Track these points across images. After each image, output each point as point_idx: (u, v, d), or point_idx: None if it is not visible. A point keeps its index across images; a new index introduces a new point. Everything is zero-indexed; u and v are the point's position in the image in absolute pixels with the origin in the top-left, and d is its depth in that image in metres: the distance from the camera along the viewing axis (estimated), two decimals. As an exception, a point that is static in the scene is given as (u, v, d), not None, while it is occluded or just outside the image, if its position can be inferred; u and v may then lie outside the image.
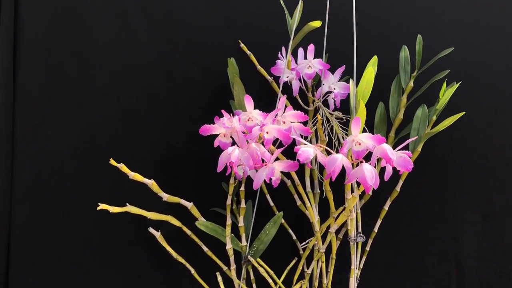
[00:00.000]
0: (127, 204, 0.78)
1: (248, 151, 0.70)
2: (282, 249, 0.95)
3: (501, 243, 1.03)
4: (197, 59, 1.01)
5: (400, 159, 0.69)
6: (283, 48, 0.90)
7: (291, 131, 0.75)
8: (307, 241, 0.89)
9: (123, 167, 0.75)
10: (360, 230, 0.90)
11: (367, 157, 0.68)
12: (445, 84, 0.83)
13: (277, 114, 0.75)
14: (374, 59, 0.77)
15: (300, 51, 0.89)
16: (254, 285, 0.90)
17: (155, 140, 1.03)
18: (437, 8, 1.01)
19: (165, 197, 0.80)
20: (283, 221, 0.94)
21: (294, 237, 0.96)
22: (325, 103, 0.92)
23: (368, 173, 0.65)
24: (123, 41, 1.01)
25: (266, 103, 0.82)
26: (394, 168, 0.71)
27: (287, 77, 0.89)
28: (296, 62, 0.90)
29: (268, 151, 0.73)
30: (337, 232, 0.92)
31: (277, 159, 0.75)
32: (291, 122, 0.77)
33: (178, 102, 1.02)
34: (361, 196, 0.92)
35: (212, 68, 1.01)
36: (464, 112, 0.81)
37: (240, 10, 1.01)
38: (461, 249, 1.03)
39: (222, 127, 0.73)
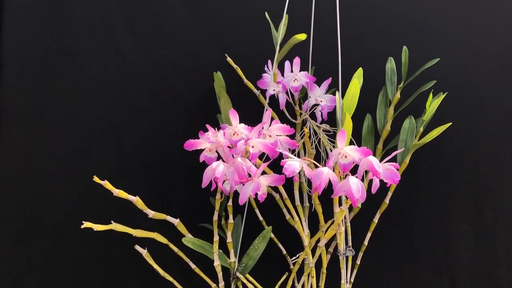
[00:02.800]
0: (112, 221, 0.77)
1: (234, 166, 0.69)
2: (272, 264, 0.94)
3: (493, 254, 1.02)
4: (184, 74, 1.01)
5: (387, 171, 0.69)
6: (269, 62, 0.89)
7: (277, 144, 0.74)
8: (297, 255, 0.88)
9: (107, 184, 0.74)
10: (350, 243, 0.89)
11: (355, 170, 0.68)
12: (431, 94, 0.83)
13: (263, 128, 0.74)
14: (360, 71, 0.77)
15: (287, 64, 0.89)
16: (244, 302, 0.89)
17: (143, 155, 1.01)
18: (423, 19, 1.01)
19: (151, 214, 0.79)
20: (272, 235, 0.92)
21: (284, 252, 0.95)
22: (313, 116, 0.91)
23: (355, 186, 0.64)
24: (110, 56, 1.01)
25: (253, 117, 0.81)
26: (382, 181, 0.70)
27: (274, 90, 0.89)
28: (283, 75, 0.89)
29: (255, 165, 0.72)
30: (328, 246, 0.91)
31: (264, 173, 0.74)
32: (277, 135, 0.76)
33: (166, 117, 1.01)
34: (350, 209, 0.91)
35: (199, 82, 1.00)
36: (450, 123, 0.81)
37: (227, 24, 1.01)
38: (453, 260, 1.02)
39: (207, 142, 0.72)
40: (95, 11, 1.00)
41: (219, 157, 0.74)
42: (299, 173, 0.87)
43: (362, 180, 0.78)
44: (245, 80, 0.94)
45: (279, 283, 0.91)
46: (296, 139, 0.91)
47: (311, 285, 0.88)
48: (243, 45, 1.00)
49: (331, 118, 0.87)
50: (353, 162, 0.68)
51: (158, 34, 1.01)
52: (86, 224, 0.73)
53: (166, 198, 1.01)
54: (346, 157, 0.68)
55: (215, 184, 0.70)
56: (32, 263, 1.01)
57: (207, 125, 0.72)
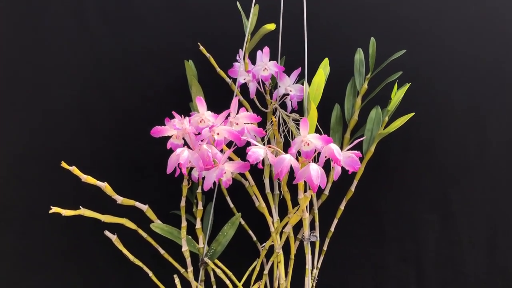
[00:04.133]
0: (80, 207, 0.78)
1: (199, 153, 0.71)
2: (243, 251, 0.96)
3: (458, 242, 1.05)
4: (157, 61, 1.01)
5: (348, 159, 0.70)
6: (241, 51, 0.90)
7: (244, 132, 0.76)
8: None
9: (75, 170, 0.75)
10: (317, 230, 0.91)
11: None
12: (396, 85, 0.85)
13: (229, 115, 0.75)
14: (325, 61, 0.79)
15: (258, 53, 0.90)
16: (214, 287, 0.90)
17: (115, 142, 1.02)
18: (391, 11, 1.02)
19: (119, 199, 0.80)
20: (243, 222, 0.94)
21: (255, 238, 0.97)
22: (284, 105, 0.93)
23: (314, 172, 0.66)
24: (82, 42, 1.00)
25: (226, 105, 0.81)
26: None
27: (244, 79, 0.90)
28: (254, 65, 0.90)
29: (221, 152, 0.74)
30: (297, 233, 0.93)
31: (230, 159, 0.76)
32: (244, 123, 0.77)
33: (138, 104, 1.01)
34: (318, 196, 0.93)
35: (172, 70, 1.00)
36: (413, 113, 0.83)
37: (200, 12, 1.01)
38: (419, 248, 1.05)
39: (173, 129, 0.73)
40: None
41: (186, 144, 0.75)
42: (269, 161, 0.89)
43: (330, 168, 0.80)
44: (218, 69, 0.95)
45: (250, 269, 0.92)
46: (266, 128, 0.93)
47: (279, 271, 0.90)
48: (217, 33, 1.01)
49: (301, 108, 0.89)
50: (316, 150, 0.69)
51: (131, 20, 1.01)
52: (55, 209, 0.74)
53: (140, 186, 1.02)
54: (308, 144, 0.69)
55: (179, 170, 0.71)
56: (2, 249, 1.02)
57: (173, 112, 0.73)
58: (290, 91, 0.89)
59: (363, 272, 1.06)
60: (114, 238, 0.83)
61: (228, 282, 0.85)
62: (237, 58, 0.92)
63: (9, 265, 1.02)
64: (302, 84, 0.90)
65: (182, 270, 0.87)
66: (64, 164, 0.74)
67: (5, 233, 1.02)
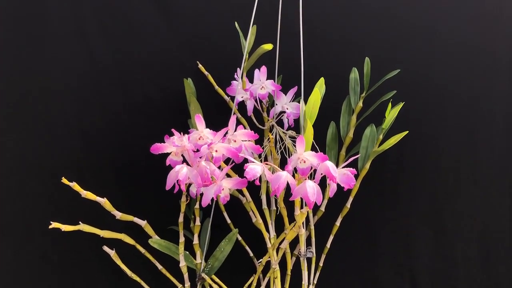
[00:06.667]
0: (80, 222, 0.79)
1: (197, 169, 0.72)
2: (240, 266, 0.96)
3: (452, 257, 1.06)
4: (156, 79, 1.03)
5: (344, 176, 0.72)
6: (239, 69, 0.93)
7: (241, 149, 0.77)
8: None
9: (75, 186, 0.76)
10: (313, 246, 0.92)
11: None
12: (390, 104, 0.87)
13: (227, 133, 0.77)
14: (321, 80, 0.81)
15: (256, 72, 0.92)
16: (211, 302, 0.91)
17: (114, 159, 1.03)
18: (385, 30, 1.06)
19: (118, 215, 0.81)
20: (240, 238, 0.95)
21: (251, 254, 0.97)
22: (281, 123, 0.95)
23: (310, 189, 0.67)
24: (82, 59, 1.02)
25: (224, 123, 0.83)
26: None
27: (242, 97, 0.92)
28: (252, 83, 0.92)
29: (219, 168, 0.75)
30: (293, 248, 0.94)
31: (228, 176, 0.77)
32: (242, 140, 0.79)
33: (137, 121, 1.03)
34: (314, 213, 0.94)
35: (171, 87, 1.02)
36: (407, 132, 0.85)
37: (199, 31, 1.04)
38: (414, 263, 1.06)
39: (172, 146, 0.75)
40: (68, 13, 1.01)
41: (185, 161, 0.76)
42: (266, 177, 0.91)
43: (326, 184, 0.82)
44: (216, 87, 0.97)
45: (246, 285, 0.93)
46: (263, 145, 0.94)
47: (276, 287, 0.91)
48: (215, 52, 1.03)
49: (298, 125, 0.91)
50: (312, 167, 0.71)
51: (131, 38, 1.03)
52: (54, 225, 0.75)
53: (139, 202, 1.03)
54: (304, 162, 0.71)
55: (178, 186, 0.72)
56: (2, 263, 1.02)
57: (173, 129, 0.75)
58: (287, 109, 0.91)
59: (359, 287, 1.06)
60: (112, 253, 0.83)
61: (224, 298, 0.86)
62: (235, 76, 0.94)
63: (7, 279, 1.02)
64: (299, 102, 0.92)
65: (179, 286, 0.87)
66: (64, 180, 0.75)
67: (4, 248, 1.02)
